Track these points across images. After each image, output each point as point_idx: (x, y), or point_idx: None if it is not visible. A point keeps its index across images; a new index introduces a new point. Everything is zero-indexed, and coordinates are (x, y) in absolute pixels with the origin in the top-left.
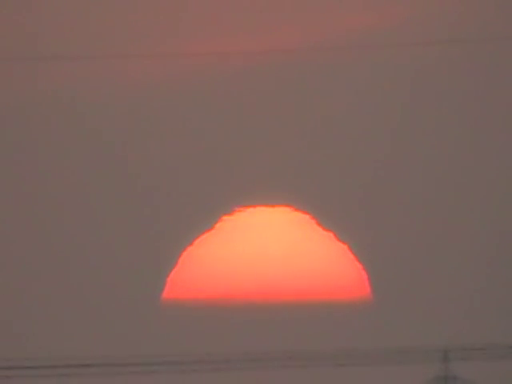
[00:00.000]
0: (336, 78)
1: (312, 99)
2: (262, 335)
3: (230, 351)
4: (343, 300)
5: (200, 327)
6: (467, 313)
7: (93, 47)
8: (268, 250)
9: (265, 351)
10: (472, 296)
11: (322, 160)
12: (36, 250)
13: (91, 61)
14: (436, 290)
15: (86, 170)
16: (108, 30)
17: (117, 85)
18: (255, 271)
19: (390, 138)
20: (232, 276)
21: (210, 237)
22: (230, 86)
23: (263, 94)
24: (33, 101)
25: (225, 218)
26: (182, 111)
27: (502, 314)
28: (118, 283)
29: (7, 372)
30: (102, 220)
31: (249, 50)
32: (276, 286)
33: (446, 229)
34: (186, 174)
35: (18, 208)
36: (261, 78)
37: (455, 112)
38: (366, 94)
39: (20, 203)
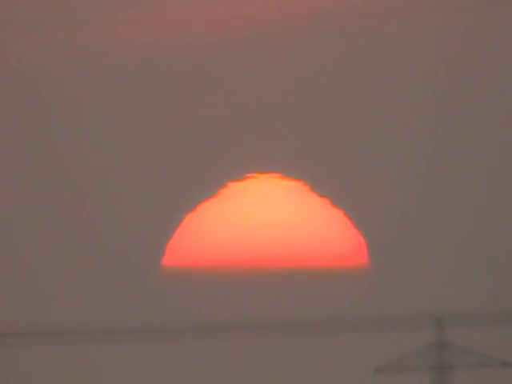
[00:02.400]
0: (332, 46)
1: (309, 66)
2: (260, 302)
3: (228, 318)
4: (341, 267)
5: (199, 294)
6: (462, 280)
7: (78, 14)
8: (266, 217)
9: (262, 318)
10: (467, 263)
11: (317, 127)
12: (38, 216)
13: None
14: (432, 257)
15: (94, 132)
16: None
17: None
18: (254, 239)
19: (388, 100)
20: (231, 243)
21: (212, 204)
22: (229, 53)
23: (259, 60)
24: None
25: (227, 185)
26: (186, 78)
27: (496, 281)
28: (117, 249)
29: (10, 339)
30: (102, 184)
31: (248, 16)
32: (275, 253)
33: (443, 196)
34: (190, 140)
35: (18, 169)
36: (265, 44)
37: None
38: (361, 60)
39: (26, 164)
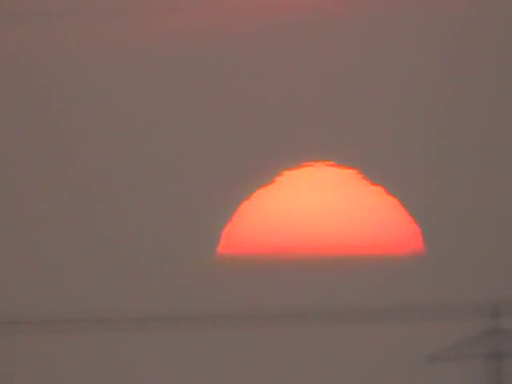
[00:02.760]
0: (381, 32)
1: (359, 53)
2: (316, 290)
3: (282, 306)
4: (396, 254)
5: (254, 282)
6: None
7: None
8: (321, 206)
9: (318, 306)
10: None
11: (373, 116)
12: (80, 206)
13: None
14: (487, 244)
15: (149, 120)
16: None
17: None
18: (308, 227)
19: (439, 86)
20: (286, 231)
21: (267, 192)
22: (273, 41)
23: (308, 47)
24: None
25: (282, 173)
26: (235, 66)
27: None
28: (172, 237)
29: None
30: (157, 169)
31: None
32: (329, 241)
33: (499, 181)
34: (247, 129)
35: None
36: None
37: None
38: (416, 48)
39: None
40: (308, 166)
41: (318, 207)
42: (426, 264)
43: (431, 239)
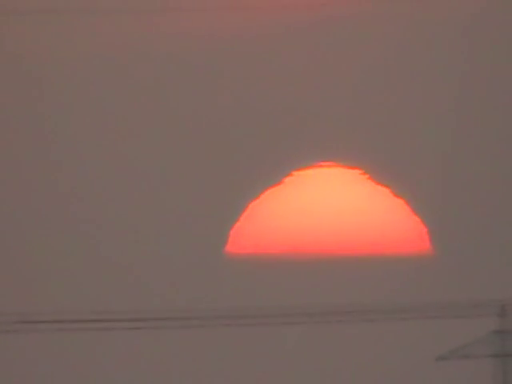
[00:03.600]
0: (394, 33)
1: (365, 53)
2: (324, 290)
3: (290, 305)
4: (404, 254)
5: (261, 281)
6: None
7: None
8: (329, 206)
9: (325, 305)
10: None
11: (378, 118)
12: (97, 204)
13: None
14: (495, 244)
15: (159, 120)
16: None
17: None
18: (316, 227)
19: (452, 88)
20: (293, 231)
21: (275, 192)
22: (281, 41)
23: (316, 48)
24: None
25: (291, 174)
26: (245, 67)
27: None
28: (181, 236)
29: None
30: (166, 168)
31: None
32: (337, 241)
33: (507, 181)
34: (257, 127)
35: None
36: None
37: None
38: (423, 49)
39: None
40: (317, 167)
41: (325, 208)
42: (433, 264)
43: (439, 240)
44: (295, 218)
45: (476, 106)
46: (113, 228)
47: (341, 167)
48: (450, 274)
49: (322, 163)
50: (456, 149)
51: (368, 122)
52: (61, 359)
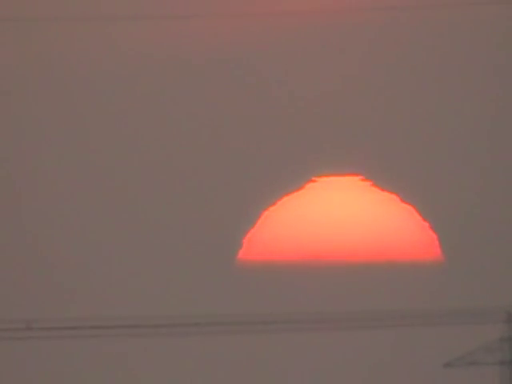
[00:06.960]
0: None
1: (379, 63)
2: (337, 297)
3: (304, 312)
4: (413, 261)
5: (274, 289)
6: None
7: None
8: (341, 214)
9: (338, 312)
10: None
11: (387, 126)
12: (101, 206)
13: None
14: (504, 251)
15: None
16: None
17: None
18: (328, 234)
19: (458, 92)
20: (307, 238)
21: (291, 200)
22: (302, 48)
23: (335, 57)
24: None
25: (309, 181)
26: (268, 74)
27: None
28: (194, 242)
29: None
30: (181, 172)
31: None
32: (350, 248)
33: None
34: (276, 133)
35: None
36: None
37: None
38: (429, 56)
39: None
40: (331, 175)
41: (338, 216)
42: (441, 271)
43: (448, 246)
44: (309, 226)
45: (488, 110)
46: (123, 235)
47: (354, 176)
48: (457, 280)
49: (337, 172)
50: (467, 154)
51: (377, 131)
52: (67, 366)
